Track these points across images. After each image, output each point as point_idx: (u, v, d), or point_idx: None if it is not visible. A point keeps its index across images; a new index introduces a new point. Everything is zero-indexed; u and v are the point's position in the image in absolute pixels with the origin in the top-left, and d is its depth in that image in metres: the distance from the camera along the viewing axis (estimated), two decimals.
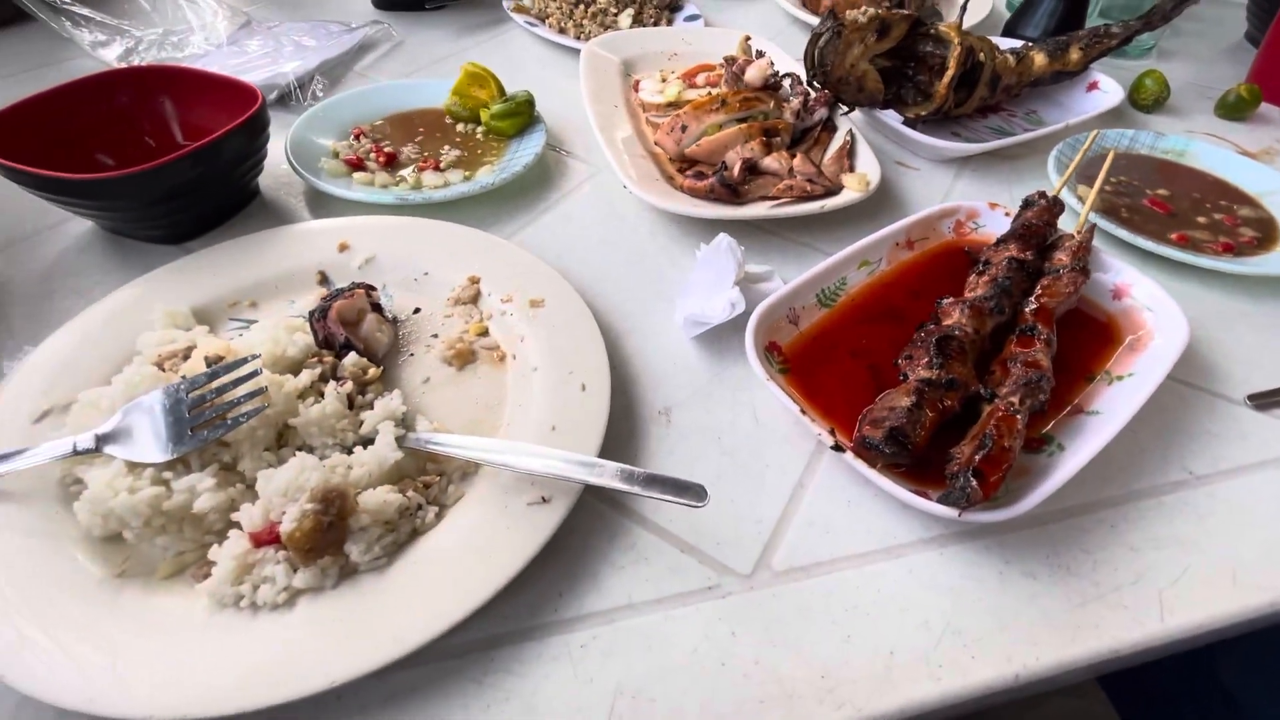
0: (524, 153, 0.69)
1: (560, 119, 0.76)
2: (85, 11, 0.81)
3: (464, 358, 0.49)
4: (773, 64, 0.69)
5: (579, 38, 0.92)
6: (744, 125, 0.66)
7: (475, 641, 0.36)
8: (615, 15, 0.93)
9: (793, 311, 0.53)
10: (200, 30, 0.85)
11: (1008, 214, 0.62)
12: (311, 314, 0.47)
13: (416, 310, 0.53)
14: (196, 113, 0.63)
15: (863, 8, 0.69)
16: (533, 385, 0.47)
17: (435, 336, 0.51)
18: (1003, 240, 0.57)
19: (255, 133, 0.57)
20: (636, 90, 0.81)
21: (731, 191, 0.61)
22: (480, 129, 0.73)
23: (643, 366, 0.52)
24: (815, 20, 0.99)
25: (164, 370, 0.43)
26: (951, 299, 0.52)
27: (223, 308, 0.51)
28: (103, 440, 0.37)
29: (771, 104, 0.68)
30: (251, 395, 0.39)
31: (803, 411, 0.44)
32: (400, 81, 0.78)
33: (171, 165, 0.51)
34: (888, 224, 0.59)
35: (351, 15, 0.97)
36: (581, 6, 0.94)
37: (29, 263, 0.55)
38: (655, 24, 0.96)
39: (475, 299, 0.53)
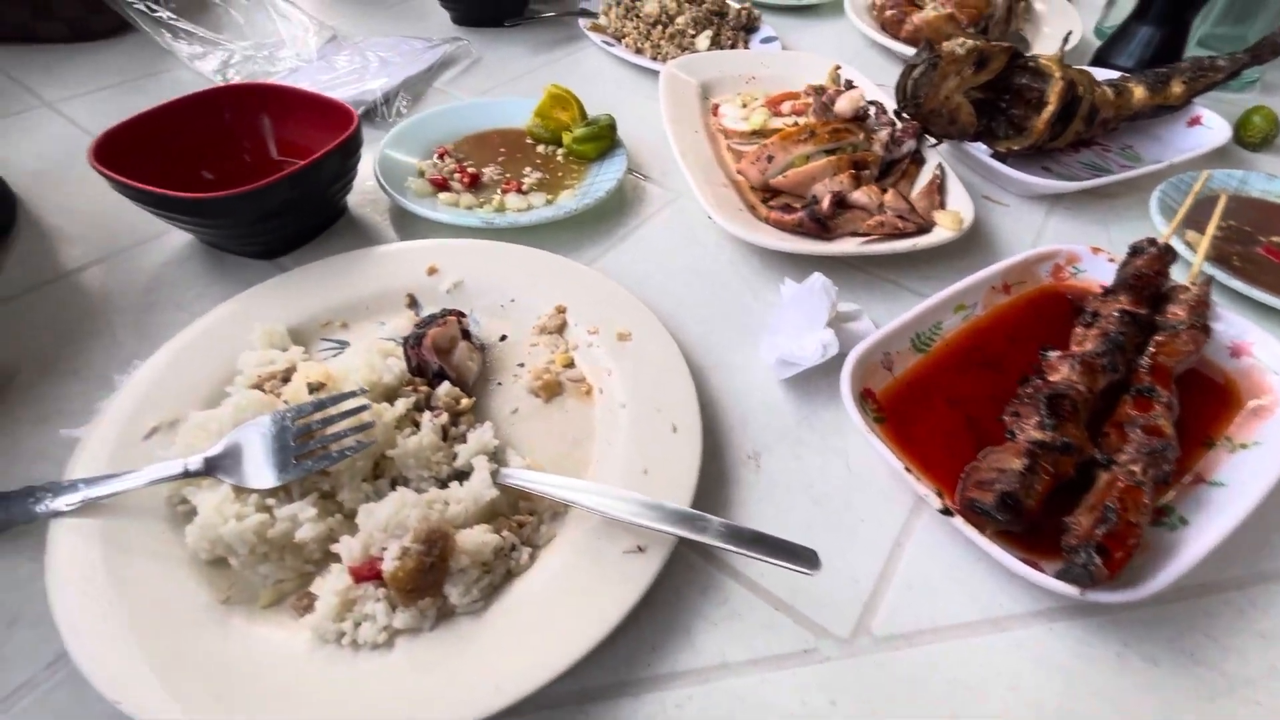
0: (605, 177, 0.69)
1: (638, 141, 0.76)
2: (184, 25, 0.84)
3: (551, 390, 0.49)
4: (865, 96, 0.67)
5: (656, 58, 0.92)
6: (833, 158, 0.64)
7: (569, 694, 0.35)
8: (693, 37, 0.93)
9: (887, 357, 0.51)
10: (291, 44, 0.88)
11: (1111, 260, 0.59)
12: (406, 340, 0.47)
13: (503, 337, 0.53)
14: (291, 129, 0.65)
15: (960, 39, 0.67)
16: (621, 422, 0.46)
17: (522, 366, 0.51)
18: (1111, 290, 0.54)
19: (350, 153, 0.58)
20: (715, 114, 0.81)
21: (821, 226, 0.59)
22: (561, 151, 0.73)
23: (728, 405, 0.51)
24: (894, 44, 0.97)
25: (266, 392, 0.43)
26: (1058, 352, 0.49)
27: (316, 327, 0.51)
28: (211, 463, 0.38)
29: (861, 136, 0.66)
30: (357, 429, 0.39)
31: (907, 469, 0.42)
32: (482, 100, 0.79)
33: (273, 186, 0.52)
34: (976, 262, 0.57)
35: (432, 31, 0.99)
36: (659, 27, 0.94)
37: (132, 274, 0.57)
38: (732, 46, 0.95)
39: (561, 329, 0.53)
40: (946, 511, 0.41)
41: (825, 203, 0.60)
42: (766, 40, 0.99)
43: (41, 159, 0.68)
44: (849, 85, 0.72)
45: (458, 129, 0.74)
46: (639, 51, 0.94)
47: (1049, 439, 0.42)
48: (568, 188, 0.69)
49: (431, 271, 0.55)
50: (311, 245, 0.61)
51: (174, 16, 0.81)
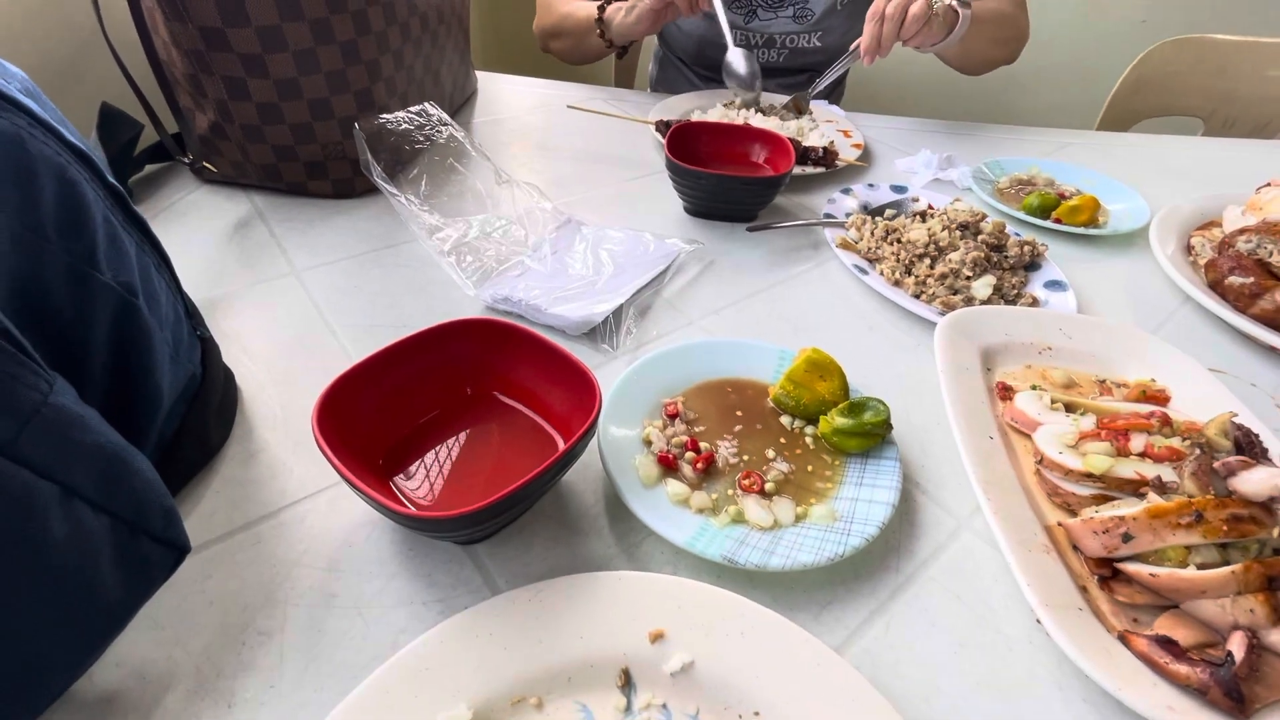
0: (870, 491, 0.53)
1: (899, 417, 0.60)
2: (426, 207, 0.84)
3: None
4: None
5: (919, 297, 0.78)
6: (1238, 567, 0.44)
7: None
8: (969, 280, 0.78)
9: None
10: (525, 223, 0.85)
11: None
12: None
13: None
14: (520, 370, 0.57)
15: None
16: None
17: None
18: None
19: (587, 439, 0.48)
20: (1004, 398, 0.64)
21: (1236, 703, 0.39)
22: (811, 432, 0.59)
23: None
24: (1237, 320, 0.75)
25: None
26: None
27: (505, 705, 0.39)
28: None
29: (1276, 531, 0.46)
30: None
31: None
32: (722, 340, 0.68)
33: (508, 498, 0.42)
34: None
35: (663, 217, 0.93)
36: (927, 261, 0.80)
37: (319, 534, 0.49)
38: (1016, 295, 0.79)
39: None
40: None
41: (1241, 657, 0.40)
42: (1052, 285, 0.82)
43: (272, 340, 0.67)
44: (1247, 441, 0.52)
45: (688, 374, 0.64)
46: (896, 284, 0.80)
47: None
48: (820, 495, 0.54)
49: (656, 638, 0.42)
50: (510, 529, 0.51)
51: (421, 204, 0.81)
